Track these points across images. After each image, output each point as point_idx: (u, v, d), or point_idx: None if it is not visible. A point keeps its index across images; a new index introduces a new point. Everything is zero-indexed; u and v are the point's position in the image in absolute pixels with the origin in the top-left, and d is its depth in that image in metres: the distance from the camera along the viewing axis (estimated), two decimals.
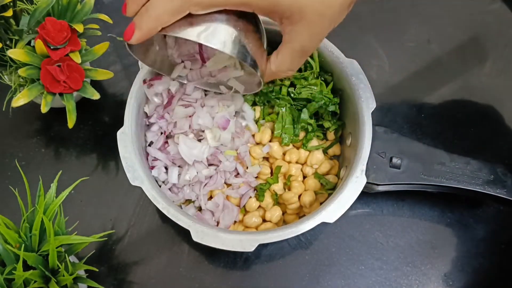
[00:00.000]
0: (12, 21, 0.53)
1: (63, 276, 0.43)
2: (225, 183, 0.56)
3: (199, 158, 0.53)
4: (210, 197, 0.56)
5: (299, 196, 0.55)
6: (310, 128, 0.56)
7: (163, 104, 0.55)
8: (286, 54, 0.44)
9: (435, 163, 0.52)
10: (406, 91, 0.66)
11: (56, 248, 0.43)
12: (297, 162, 0.57)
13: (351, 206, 0.48)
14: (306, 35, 0.42)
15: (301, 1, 0.40)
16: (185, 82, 0.55)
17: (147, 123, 0.57)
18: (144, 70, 0.54)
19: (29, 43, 0.53)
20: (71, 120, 0.53)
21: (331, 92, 0.56)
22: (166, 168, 0.55)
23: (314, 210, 0.49)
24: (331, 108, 0.55)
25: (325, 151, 0.58)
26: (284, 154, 0.57)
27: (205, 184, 0.54)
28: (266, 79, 0.48)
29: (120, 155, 0.50)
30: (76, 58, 0.52)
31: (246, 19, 0.43)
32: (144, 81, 0.54)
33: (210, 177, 0.55)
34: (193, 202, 0.55)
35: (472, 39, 0.69)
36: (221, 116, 0.54)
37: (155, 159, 0.55)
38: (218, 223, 0.54)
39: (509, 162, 0.53)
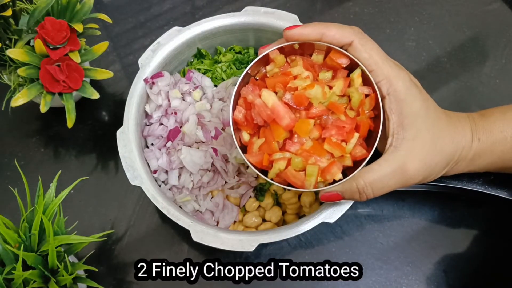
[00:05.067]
0: (11, 20, 0.53)
1: (63, 276, 0.43)
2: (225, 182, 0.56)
3: (204, 166, 0.53)
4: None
5: (299, 196, 0.55)
6: None
7: (164, 103, 0.55)
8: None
9: None
10: None
11: (56, 248, 0.43)
12: None
13: (351, 206, 0.48)
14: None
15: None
16: None
17: (147, 123, 0.56)
18: (143, 69, 0.54)
19: (28, 43, 0.53)
20: (70, 120, 0.53)
21: None
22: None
23: (314, 210, 0.49)
24: None
25: None
26: None
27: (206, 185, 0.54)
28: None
29: (120, 154, 0.50)
30: (76, 57, 0.52)
31: None
32: (146, 80, 0.54)
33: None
34: (193, 201, 0.55)
35: (472, 39, 0.69)
36: (227, 116, 0.54)
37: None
38: (218, 223, 0.54)
39: None
